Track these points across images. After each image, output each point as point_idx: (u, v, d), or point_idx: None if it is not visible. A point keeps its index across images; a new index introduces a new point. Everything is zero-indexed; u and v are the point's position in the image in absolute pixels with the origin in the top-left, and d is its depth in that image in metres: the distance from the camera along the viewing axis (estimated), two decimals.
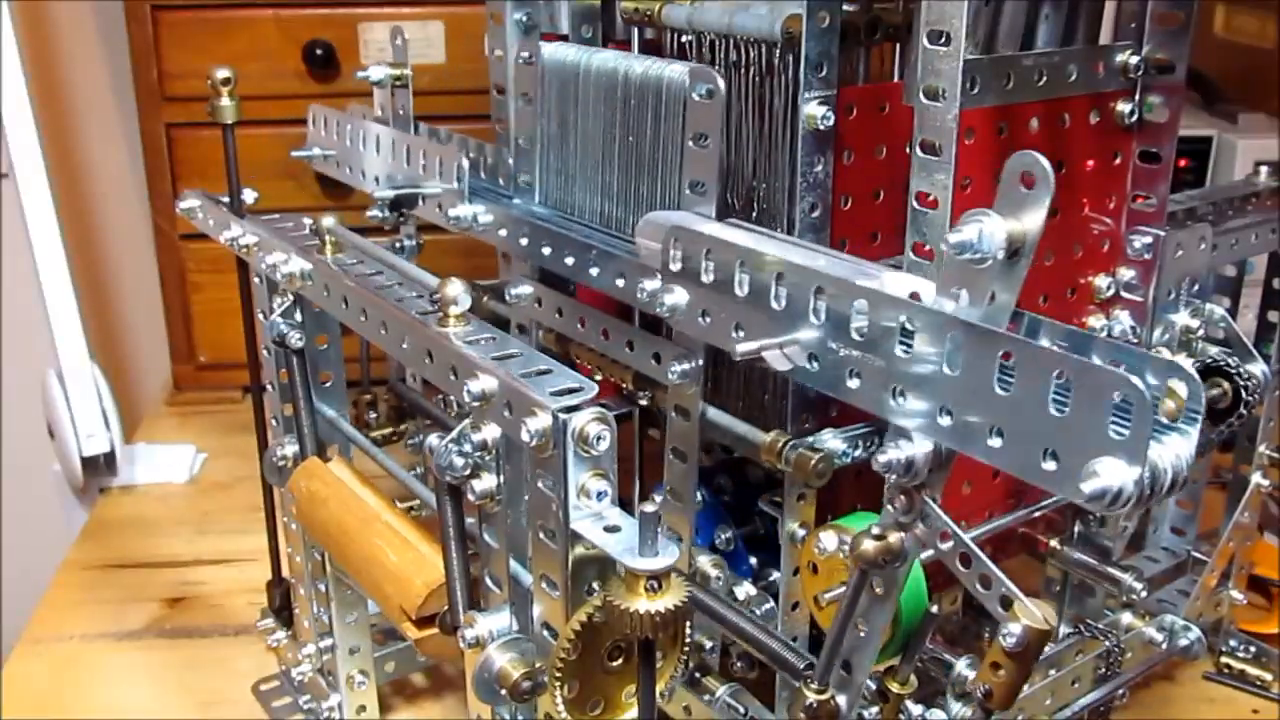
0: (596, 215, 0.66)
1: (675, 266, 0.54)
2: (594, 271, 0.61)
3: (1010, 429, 0.41)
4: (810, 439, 0.56)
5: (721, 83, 0.54)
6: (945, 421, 0.43)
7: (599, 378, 0.66)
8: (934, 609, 0.54)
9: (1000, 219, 0.41)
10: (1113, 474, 0.38)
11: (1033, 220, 0.41)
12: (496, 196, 0.71)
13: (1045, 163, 0.41)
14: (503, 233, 0.68)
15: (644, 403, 0.66)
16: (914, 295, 0.46)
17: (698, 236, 0.53)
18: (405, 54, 0.79)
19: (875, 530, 0.47)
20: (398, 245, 0.89)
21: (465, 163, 0.68)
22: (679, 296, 0.54)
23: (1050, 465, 0.40)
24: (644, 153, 0.62)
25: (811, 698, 0.51)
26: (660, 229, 0.55)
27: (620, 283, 0.59)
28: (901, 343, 0.44)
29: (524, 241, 0.66)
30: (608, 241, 0.62)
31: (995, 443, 0.42)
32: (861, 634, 0.50)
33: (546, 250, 0.64)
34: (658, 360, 0.60)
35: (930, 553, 0.48)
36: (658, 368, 0.60)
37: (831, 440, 0.56)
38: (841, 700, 0.51)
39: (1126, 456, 0.38)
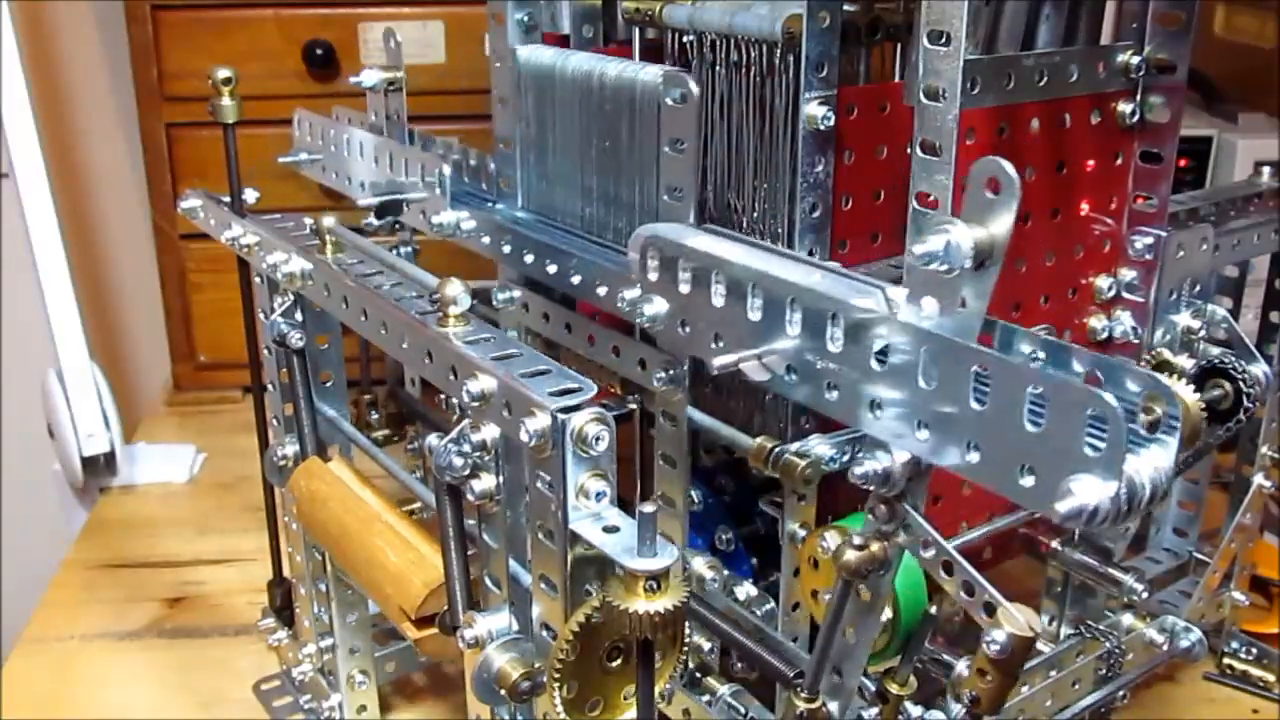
0: (577, 218, 0.65)
1: (652, 276, 0.54)
2: (575, 280, 0.61)
3: (987, 444, 0.41)
4: (797, 445, 0.56)
5: (695, 87, 0.54)
6: (923, 435, 0.43)
7: None
8: (933, 610, 0.53)
9: (966, 228, 0.41)
10: (1088, 492, 0.37)
11: (1000, 227, 0.40)
12: (480, 201, 0.71)
13: (1010, 169, 0.39)
14: (485, 240, 0.68)
15: (632, 407, 0.66)
16: (890, 303, 0.45)
17: (672, 245, 0.52)
18: (399, 57, 0.78)
19: (857, 540, 0.47)
20: (395, 252, 0.89)
21: (447, 169, 0.68)
22: (658, 306, 0.54)
23: (1028, 481, 0.39)
24: (621, 157, 0.61)
25: (801, 706, 0.51)
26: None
27: (602, 291, 0.59)
28: (877, 356, 0.44)
29: (506, 249, 0.66)
30: (588, 248, 0.62)
31: (973, 457, 0.41)
32: (850, 641, 0.49)
33: (529, 258, 0.64)
34: (643, 366, 0.60)
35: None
36: (643, 374, 0.60)
37: (819, 446, 0.55)
38: (833, 707, 0.51)
39: (1102, 473, 0.37)
